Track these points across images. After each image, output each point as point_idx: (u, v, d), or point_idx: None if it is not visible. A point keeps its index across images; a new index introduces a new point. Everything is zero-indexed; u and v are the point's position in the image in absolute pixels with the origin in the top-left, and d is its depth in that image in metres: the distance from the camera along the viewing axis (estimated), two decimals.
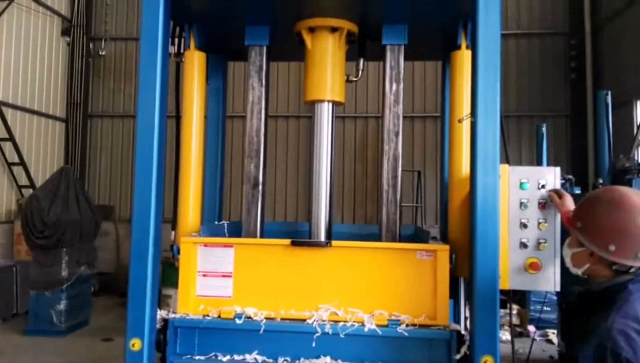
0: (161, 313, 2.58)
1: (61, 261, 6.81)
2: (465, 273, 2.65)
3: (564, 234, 2.06)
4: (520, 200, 2.48)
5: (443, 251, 2.52)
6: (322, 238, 2.84)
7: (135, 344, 2.41)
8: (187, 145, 2.98)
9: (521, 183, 2.49)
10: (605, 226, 1.71)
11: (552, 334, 6.88)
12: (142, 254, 2.43)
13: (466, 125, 2.76)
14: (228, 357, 2.55)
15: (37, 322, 6.81)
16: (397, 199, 2.82)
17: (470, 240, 2.36)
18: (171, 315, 2.58)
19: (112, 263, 9.89)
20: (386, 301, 2.54)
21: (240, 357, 2.54)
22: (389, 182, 2.82)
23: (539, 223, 2.47)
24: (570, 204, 2.41)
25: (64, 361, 5.82)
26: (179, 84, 3.08)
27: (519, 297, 7.41)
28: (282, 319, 2.55)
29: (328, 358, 2.48)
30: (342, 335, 2.44)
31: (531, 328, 6.95)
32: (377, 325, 2.44)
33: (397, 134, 2.85)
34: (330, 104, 2.89)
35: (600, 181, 5.29)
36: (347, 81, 2.97)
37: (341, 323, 2.47)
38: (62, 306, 6.81)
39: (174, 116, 3.06)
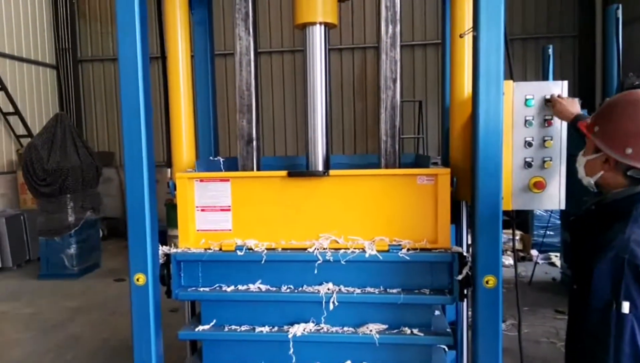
0: (163, 249, 2.58)
1: (66, 207, 6.86)
2: (467, 197, 2.60)
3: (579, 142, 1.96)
4: (525, 118, 2.39)
5: (444, 174, 2.46)
6: (320, 168, 2.78)
7: (140, 279, 2.42)
8: (174, 81, 2.85)
9: (526, 100, 2.38)
10: (622, 129, 1.62)
11: (555, 257, 6.98)
12: (137, 189, 2.38)
13: (468, 41, 2.61)
14: (232, 288, 2.57)
15: (49, 266, 6.98)
16: (396, 129, 2.71)
17: (472, 160, 2.29)
18: (173, 250, 2.58)
19: (117, 209, 9.99)
20: (387, 228, 2.52)
21: (244, 287, 2.57)
22: (387, 122, 2.68)
23: (544, 141, 2.39)
24: (577, 107, 2.31)
25: (79, 301, 5.99)
26: (161, 18, 2.91)
27: (523, 218, 7.47)
28: (283, 249, 2.54)
29: (330, 284, 2.49)
30: (343, 262, 2.44)
31: (534, 252, 7.05)
32: (378, 251, 2.44)
33: (394, 81, 2.66)
34: (323, 27, 2.72)
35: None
36: (340, 0, 2.78)
37: (342, 251, 2.46)
38: (72, 250, 6.95)
39: (159, 57, 2.92)
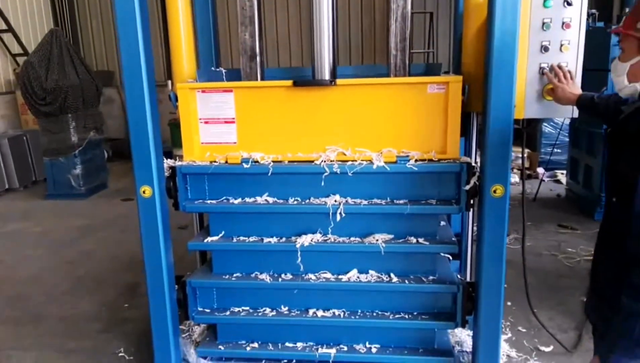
0: (168, 162, 2.56)
1: (69, 127, 6.80)
2: (478, 107, 2.52)
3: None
4: (542, 20, 2.25)
5: (456, 82, 2.37)
6: (327, 77, 2.68)
7: (146, 191, 2.42)
8: None
9: (544, 0, 2.23)
10: None
11: (561, 174, 6.98)
12: (137, 97, 2.32)
13: None
14: (239, 200, 2.58)
15: (56, 186, 7.04)
16: (406, 42, 2.54)
17: (486, 65, 2.19)
18: (178, 163, 2.56)
19: (121, 129, 9.92)
20: (395, 139, 2.47)
21: (252, 200, 2.57)
22: (397, 35, 2.53)
23: (562, 45, 2.27)
24: (577, 88, 2.19)
25: (88, 220, 6.11)
26: None
27: (531, 134, 7.37)
28: (290, 162, 2.52)
29: (337, 196, 2.49)
30: (350, 174, 2.42)
31: (540, 170, 7.04)
32: (386, 162, 2.41)
33: None
34: None
35: (627, 9, 4.87)
36: None
37: (349, 163, 2.43)
38: (78, 170, 6.98)
39: None
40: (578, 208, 5.70)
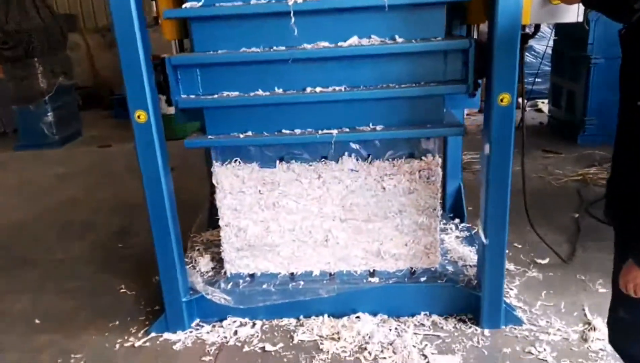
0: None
1: (36, 71, 6.44)
2: (479, 20, 2.46)
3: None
4: None
5: None
6: None
7: (141, 116, 2.30)
8: None
9: None
10: None
11: (542, 103, 7.04)
12: (125, 17, 2.15)
13: None
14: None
15: (28, 136, 6.74)
16: None
17: None
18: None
19: (88, 76, 9.50)
20: None
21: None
22: None
23: None
24: None
25: (67, 167, 5.91)
26: None
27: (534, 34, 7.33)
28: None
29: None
30: None
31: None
32: None
33: None
34: None
35: None
36: None
37: None
38: (50, 118, 6.69)
39: None
40: (561, 133, 5.79)
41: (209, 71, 2.36)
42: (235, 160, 2.57)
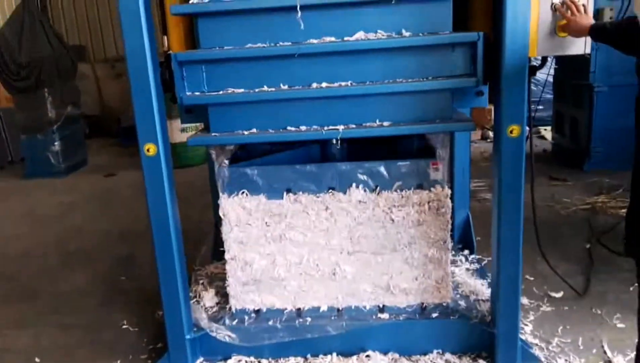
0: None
1: (45, 102, 6.52)
2: (484, 27, 2.39)
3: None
4: None
5: None
6: None
7: (150, 149, 2.29)
8: None
9: None
10: None
11: (544, 131, 7.04)
12: (137, 50, 2.17)
13: None
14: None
15: (35, 165, 6.77)
16: None
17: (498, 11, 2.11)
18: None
19: (96, 106, 9.61)
20: None
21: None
22: None
23: None
24: (589, 18, 2.13)
25: (72, 196, 5.91)
26: None
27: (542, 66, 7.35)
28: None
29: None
30: None
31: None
32: None
33: None
34: None
35: None
36: None
37: None
38: (56, 147, 6.73)
39: None
40: (565, 160, 5.76)
41: (215, 67, 2.32)
42: (243, 192, 2.55)
